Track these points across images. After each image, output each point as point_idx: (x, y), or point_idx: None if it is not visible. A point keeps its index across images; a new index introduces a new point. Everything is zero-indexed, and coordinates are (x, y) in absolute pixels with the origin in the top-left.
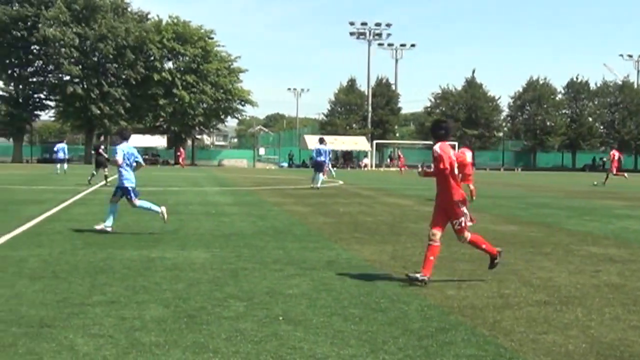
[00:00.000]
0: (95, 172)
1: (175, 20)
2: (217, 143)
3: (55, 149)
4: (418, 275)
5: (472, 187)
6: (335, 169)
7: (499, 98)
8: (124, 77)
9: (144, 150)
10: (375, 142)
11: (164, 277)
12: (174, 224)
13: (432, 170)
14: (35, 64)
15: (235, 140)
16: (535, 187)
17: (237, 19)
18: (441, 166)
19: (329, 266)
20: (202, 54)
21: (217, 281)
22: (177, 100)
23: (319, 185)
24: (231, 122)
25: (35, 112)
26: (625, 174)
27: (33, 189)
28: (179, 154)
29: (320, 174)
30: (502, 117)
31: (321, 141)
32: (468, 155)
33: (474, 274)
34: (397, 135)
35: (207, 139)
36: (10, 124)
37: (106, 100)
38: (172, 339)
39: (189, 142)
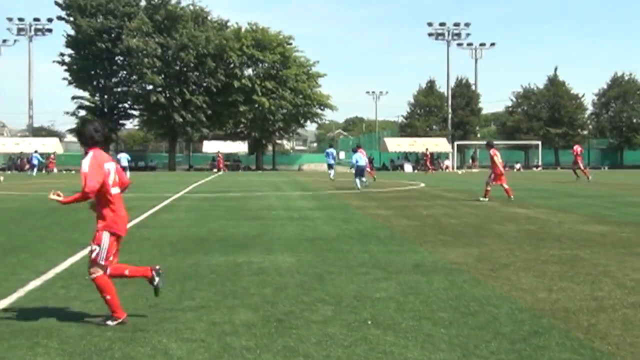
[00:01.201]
0: None
1: (254, 27)
2: (297, 148)
3: (117, 157)
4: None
5: (505, 186)
6: (415, 171)
7: (583, 96)
8: (204, 85)
9: (225, 157)
10: (456, 143)
11: (252, 281)
12: (258, 228)
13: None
14: (120, 75)
15: (315, 144)
16: (624, 186)
17: (315, 24)
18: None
19: (415, 269)
20: (281, 60)
21: (304, 285)
22: (257, 106)
23: (359, 187)
24: (311, 127)
25: (121, 122)
26: None
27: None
28: (218, 158)
29: (360, 179)
30: (586, 115)
31: (355, 150)
32: (497, 156)
33: (565, 276)
34: (478, 136)
35: (287, 144)
36: None
37: (188, 108)
38: (263, 343)
39: (270, 147)
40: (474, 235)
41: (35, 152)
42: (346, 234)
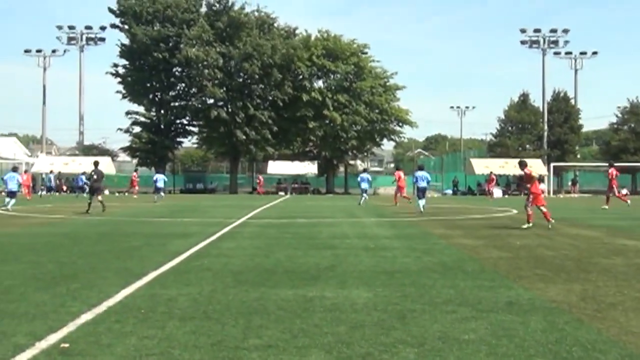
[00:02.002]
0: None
1: (325, 35)
2: (372, 169)
3: (154, 178)
4: None
5: (543, 209)
6: (506, 196)
7: None
8: (270, 98)
9: (292, 178)
10: (552, 164)
11: (324, 318)
12: (330, 259)
13: None
14: (177, 88)
15: (392, 165)
16: None
17: (393, 31)
18: None
19: (509, 308)
20: (355, 71)
21: (382, 324)
22: (328, 122)
23: (422, 209)
24: (387, 146)
25: (178, 139)
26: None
27: (178, 221)
28: (257, 181)
29: (421, 200)
30: None
31: (420, 168)
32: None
33: None
34: (578, 156)
35: (360, 164)
36: (152, 152)
37: (252, 124)
38: None
39: (341, 168)
40: (575, 269)
41: (83, 173)
42: (429, 266)
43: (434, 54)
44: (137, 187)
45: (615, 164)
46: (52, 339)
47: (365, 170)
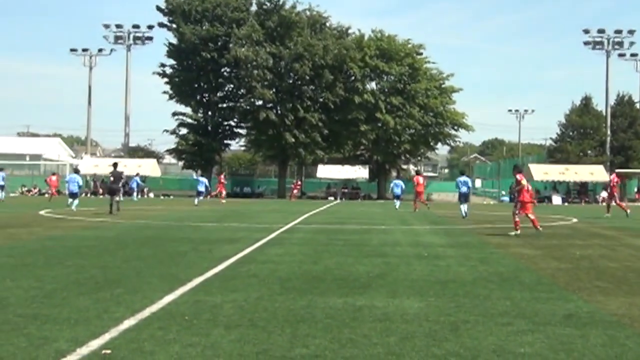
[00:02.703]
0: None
1: (378, 35)
2: (425, 174)
3: (198, 179)
4: None
5: (531, 217)
6: (566, 203)
7: None
8: (321, 100)
9: (342, 183)
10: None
11: (374, 328)
12: (381, 267)
13: None
14: (226, 88)
15: (447, 170)
16: None
17: (449, 32)
18: None
19: (567, 321)
20: (410, 72)
21: (434, 335)
22: (380, 125)
23: (464, 214)
24: (442, 150)
25: (225, 141)
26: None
27: (225, 226)
28: (294, 184)
29: (463, 205)
30: None
31: (462, 173)
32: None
33: None
34: None
35: (414, 170)
36: (198, 154)
37: (302, 126)
38: None
39: (394, 173)
40: (638, 282)
41: (137, 175)
42: (484, 276)
43: (492, 55)
44: (224, 191)
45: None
46: (94, 345)
47: (398, 177)
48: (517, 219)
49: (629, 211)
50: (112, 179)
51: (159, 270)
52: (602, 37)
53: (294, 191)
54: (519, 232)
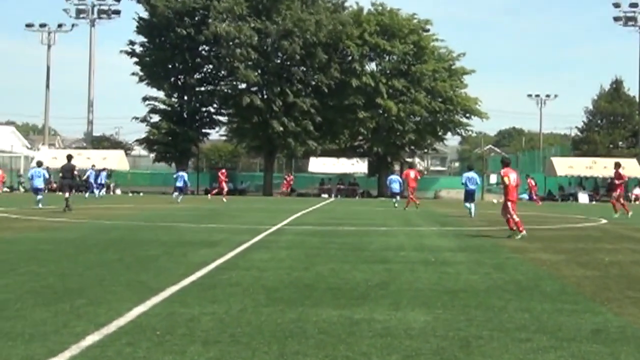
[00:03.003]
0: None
1: (379, 9)
2: (433, 168)
3: (174, 176)
4: None
5: (515, 218)
6: (593, 202)
7: None
8: (313, 83)
9: (338, 178)
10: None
11: (373, 345)
12: (382, 275)
13: None
14: (204, 70)
15: (457, 164)
16: None
17: (459, 5)
18: None
19: (595, 336)
20: (415, 52)
21: (442, 353)
22: (381, 112)
23: (472, 214)
24: (452, 141)
25: (203, 130)
26: None
27: (202, 227)
28: (286, 179)
29: (470, 204)
30: None
31: (470, 168)
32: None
33: None
34: None
35: (419, 163)
36: (172, 145)
37: (291, 113)
38: None
39: (396, 167)
40: None
41: (93, 166)
42: (499, 285)
43: (508, 32)
44: (226, 188)
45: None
46: None
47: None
48: (517, 219)
49: (622, 212)
50: (61, 174)
51: (127, 277)
52: (634, 12)
53: (284, 188)
54: (524, 232)
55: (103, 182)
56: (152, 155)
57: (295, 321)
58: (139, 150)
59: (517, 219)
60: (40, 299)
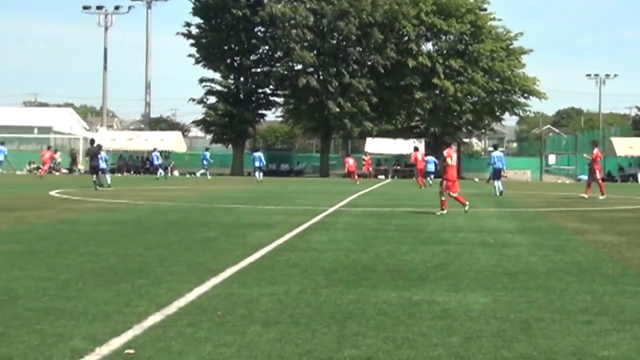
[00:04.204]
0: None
1: None
2: (490, 149)
3: (252, 156)
4: None
5: (454, 194)
6: None
7: None
8: (369, 64)
9: (394, 159)
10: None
11: (433, 327)
12: (440, 256)
13: None
14: (260, 51)
15: (515, 144)
16: None
17: None
18: None
19: None
20: (472, 31)
21: (503, 335)
22: (438, 92)
23: (499, 192)
24: (509, 121)
25: (260, 111)
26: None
27: (259, 209)
28: (365, 160)
29: (496, 182)
30: None
31: (495, 147)
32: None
33: None
34: None
35: (476, 144)
36: (229, 126)
37: (347, 94)
38: None
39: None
40: None
41: (155, 150)
42: (560, 267)
43: (567, 10)
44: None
45: None
46: (115, 343)
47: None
48: (443, 198)
49: (604, 196)
50: (87, 157)
51: (186, 258)
52: None
53: (365, 169)
54: (445, 211)
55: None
56: (209, 136)
57: (355, 302)
58: (195, 132)
59: (443, 199)
60: (101, 279)
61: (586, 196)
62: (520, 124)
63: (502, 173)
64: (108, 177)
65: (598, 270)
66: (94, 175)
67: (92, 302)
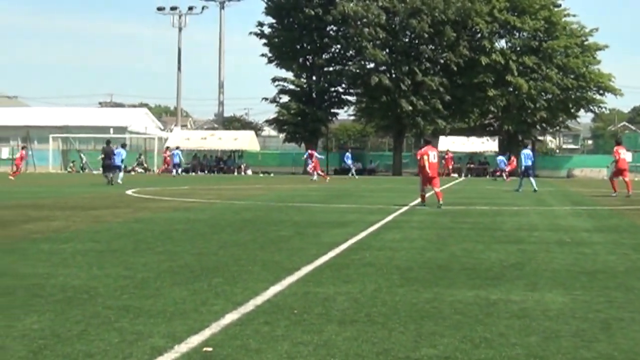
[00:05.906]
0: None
1: None
2: (565, 146)
3: (345, 156)
4: None
5: (437, 189)
6: None
7: None
8: (442, 62)
9: (468, 157)
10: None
11: (511, 326)
12: (516, 255)
13: None
14: (332, 50)
15: (590, 142)
16: None
17: None
18: None
19: None
20: (546, 28)
21: (582, 335)
22: (511, 90)
23: (520, 189)
24: (584, 118)
25: (332, 110)
26: None
27: (333, 207)
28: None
29: (525, 180)
30: None
31: (526, 146)
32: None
33: None
34: None
35: (551, 141)
36: (302, 125)
37: (419, 92)
38: None
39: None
40: None
41: (177, 148)
42: (639, 266)
43: None
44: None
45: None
46: (194, 341)
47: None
48: (423, 194)
49: (615, 193)
50: (102, 156)
51: (261, 257)
52: None
53: (448, 164)
54: (424, 203)
55: (178, 161)
56: (282, 135)
57: (431, 301)
58: (268, 131)
59: (422, 193)
60: (178, 277)
61: None
62: (595, 121)
63: (524, 170)
64: (121, 174)
65: None
66: (110, 173)
67: (170, 301)
